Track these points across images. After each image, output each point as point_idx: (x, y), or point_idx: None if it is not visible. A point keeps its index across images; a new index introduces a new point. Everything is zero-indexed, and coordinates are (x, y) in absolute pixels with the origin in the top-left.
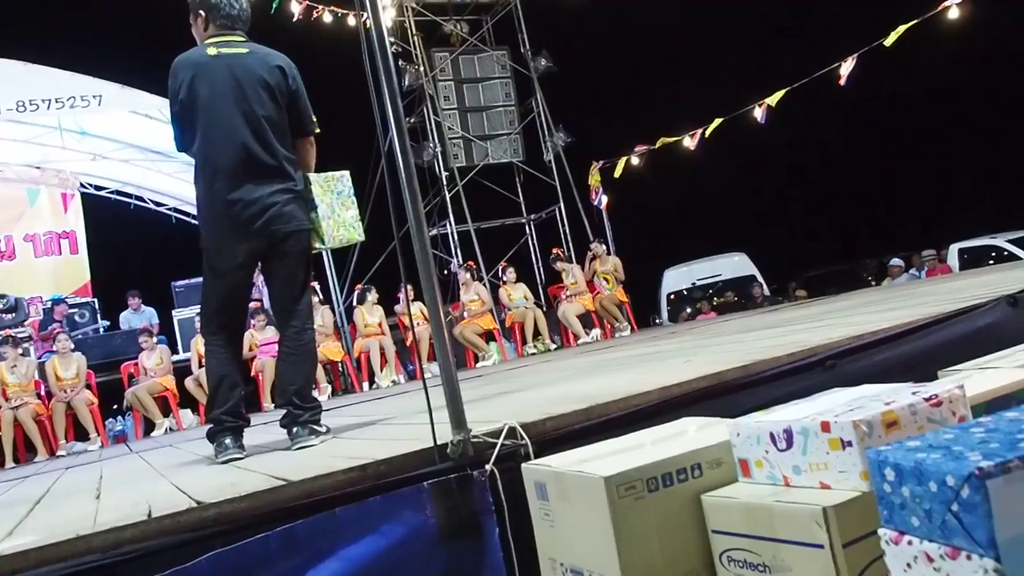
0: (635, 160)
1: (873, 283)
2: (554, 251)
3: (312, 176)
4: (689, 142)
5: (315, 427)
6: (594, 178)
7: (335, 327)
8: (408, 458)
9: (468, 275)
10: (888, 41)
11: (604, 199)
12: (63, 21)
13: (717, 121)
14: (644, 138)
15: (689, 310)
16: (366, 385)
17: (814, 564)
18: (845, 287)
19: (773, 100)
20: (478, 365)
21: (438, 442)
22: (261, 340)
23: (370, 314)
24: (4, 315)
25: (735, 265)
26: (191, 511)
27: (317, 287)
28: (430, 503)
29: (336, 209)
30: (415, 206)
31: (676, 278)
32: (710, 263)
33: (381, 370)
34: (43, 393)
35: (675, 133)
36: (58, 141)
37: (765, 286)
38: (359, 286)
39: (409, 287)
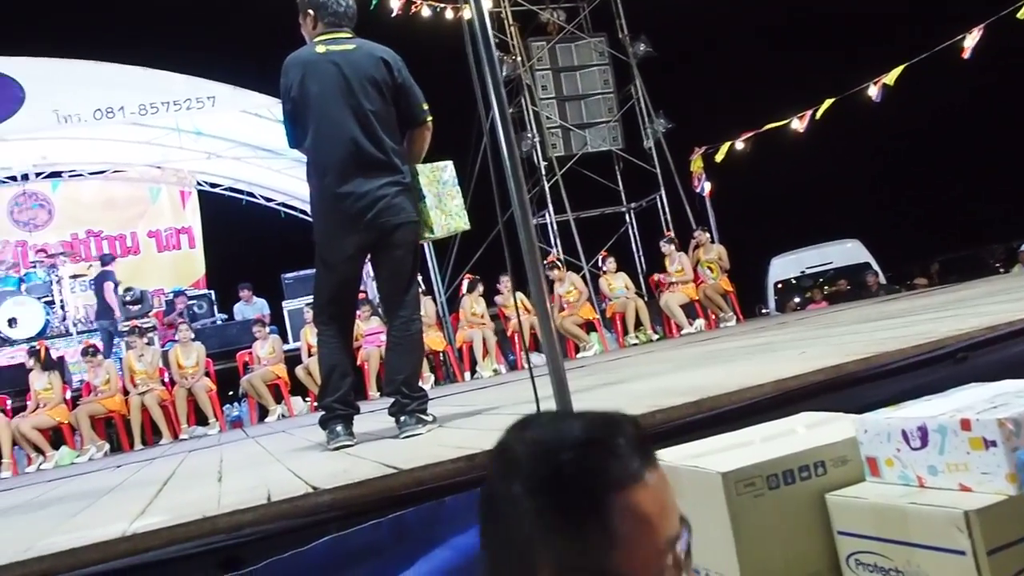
0: (739, 145)
1: (1001, 270)
2: (667, 233)
3: (419, 167)
4: (798, 124)
5: (422, 416)
6: (696, 164)
7: (437, 317)
8: None
9: (555, 271)
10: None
11: (707, 186)
12: (180, 27)
13: (828, 102)
14: (749, 122)
15: (798, 299)
16: (467, 375)
17: (954, 571)
18: (970, 275)
19: (891, 78)
20: (578, 356)
21: None
22: (366, 330)
23: (476, 304)
24: (131, 307)
25: (848, 252)
26: (307, 496)
27: (420, 278)
28: None
29: (443, 198)
30: (520, 194)
31: (784, 266)
32: (820, 250)
33: (483, 360)
34: (167, 380)
35: (782, 116)
36: (176, 142)
37: (881, 274)
38: (469, 276)
39: (507, 278)
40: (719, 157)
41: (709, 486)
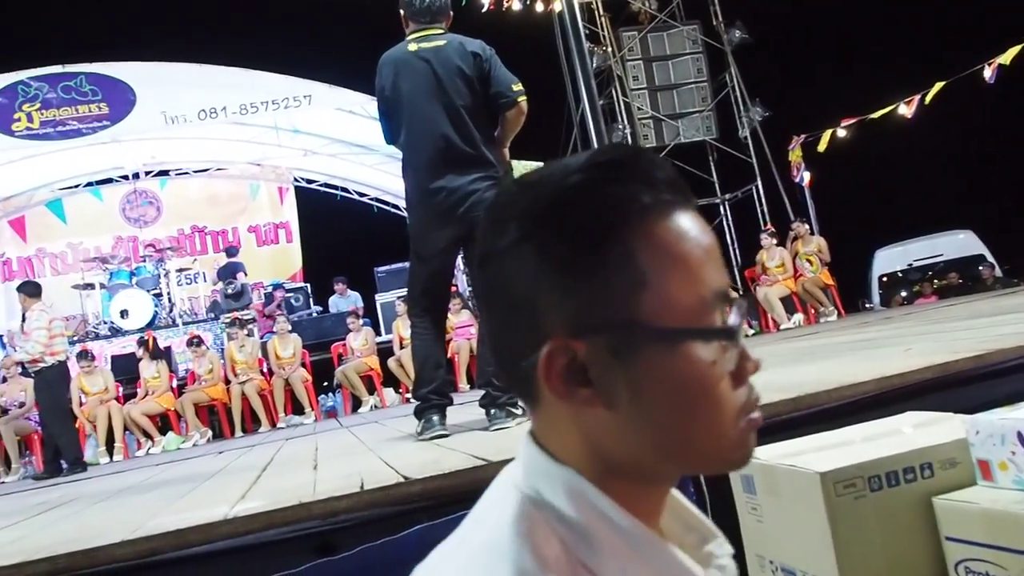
0: (841, 132)
1: None
2: (767, 226)
3: (515, 163)
4: (905, 109)
5: (512, 409)
6: (795, 154)
7: None
8: None
9: None
10: None
11: (806, 176)
12: (278, 28)
13: (938, 85)
14: (851, 108)
15: (904, 294)
16: None
17: None
18: None
19: (1006, 57)
20: None
21: None
22: (457, 323)
23: None
24: (232, 299)
25: (959, 243)
26: (399, 485)
27: None
28: None
29: None
30: None
31: (889, 259)
32: (929, 242)
33: None
34: (265, 370)
35: (887, 102)
36: (274, 139)
37: (997, 266)
38: None
39: None
40: (821, 146)
41: (807, 486)
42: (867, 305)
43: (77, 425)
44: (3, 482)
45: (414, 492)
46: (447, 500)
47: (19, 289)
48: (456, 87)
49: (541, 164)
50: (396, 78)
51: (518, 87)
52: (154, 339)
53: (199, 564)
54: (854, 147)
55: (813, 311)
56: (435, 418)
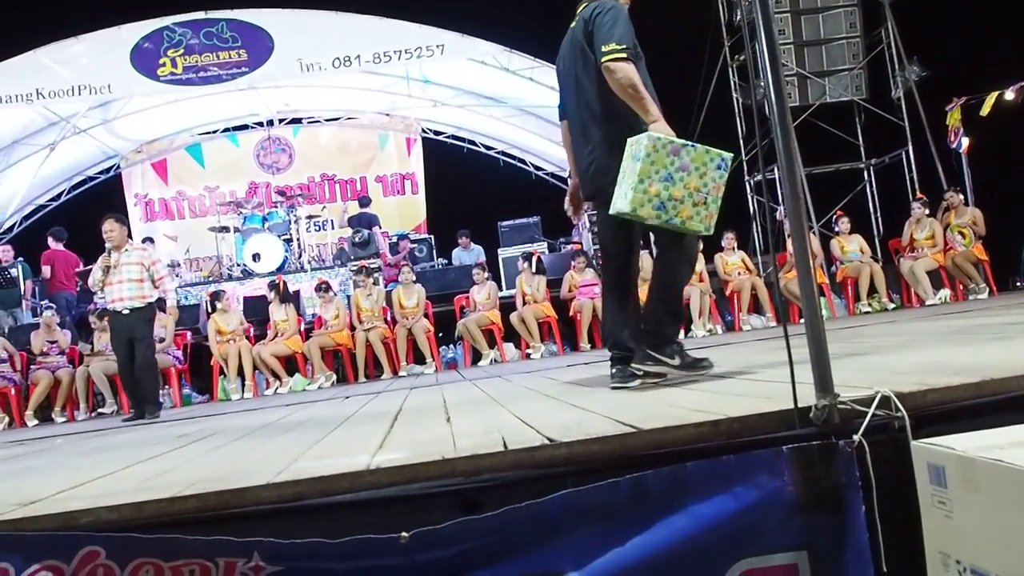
0: (1009, 95)
1: None
2: (920, 195)
3: (630, 139)
4: None
5: (634, 371)
6: (954, 117)
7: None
8: (765, 418)
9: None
10: None
11: (965, 141)
12: None
13: None
14: (1020, 71)
15: None
16: (682, 333)
17: None
18: None
19: None
20: (802, 321)
21: (799, 404)
22: (580, 282)
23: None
24: (359, 248)
25: None
26: (544, 448)
27: None
28: (788, 469)
29: (627, 174)
30: (787, 144)
31: None
32: None
33: (698, 319)
34: (389, 319)
35: None
36: (405, 90)
37: None
38: None
39: (731, 235)
40: (985, 110)
41: (1016, 484)
42: (1019, 284)
43: (212, 362)
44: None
45: (560, 456)
46: (594, 466)
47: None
48: (576, 59)
49: (640, 138)
50: (560, 55)
51: (608, 47)
52: (284, 283)
53: (342, 511)
54: (1021, 113)
55: (961, 287)
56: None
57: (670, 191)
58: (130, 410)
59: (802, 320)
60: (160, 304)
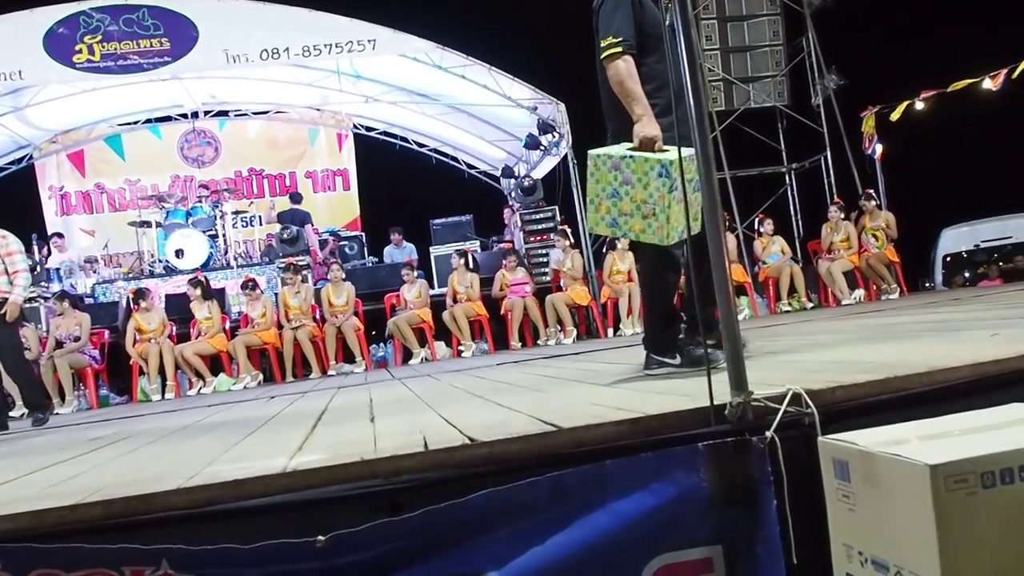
0: (919, 104)
1: None
2: (837, 200)
3: (591, 153)
4: (990, 84)
5: (659, 359)
6: (868, 124)
7: (583, 272)
8: (682, 415)
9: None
10: None
11: (879, 148)
12: None
13: None
14: (932, 81)
15: (968, 275)
16: (611, 332)
17: None
18: None
19: None
20: None
21: (715, 402)
22: (511, 280)
23: (621, 260)
24: (287, 244)
25: None
26: (465, 447)
27: (568, 231)
28: (704, 465)
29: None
30: (704, 148)
31: (955, 239)
32: (999, 223)
33: (626, 318)
34: (318, 317)
35: (970, 75)
36: (336, 84)
37: None
38: None
39: None
40: (894, 116)
41: (913, 478)
42: (927, 284)
43: (131, 362)
44: (57, 413)
45: (480, 455)
46: (515, 466)
47: None
48: (597, 46)
49: (619, 147)
50: None
51: (605, 41)
52: (206, 279)
53: (257, 516)
54: (930, 121)
55: (875, 288)
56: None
57: (619, 207)
58: None
59: None
60: (72, 302)
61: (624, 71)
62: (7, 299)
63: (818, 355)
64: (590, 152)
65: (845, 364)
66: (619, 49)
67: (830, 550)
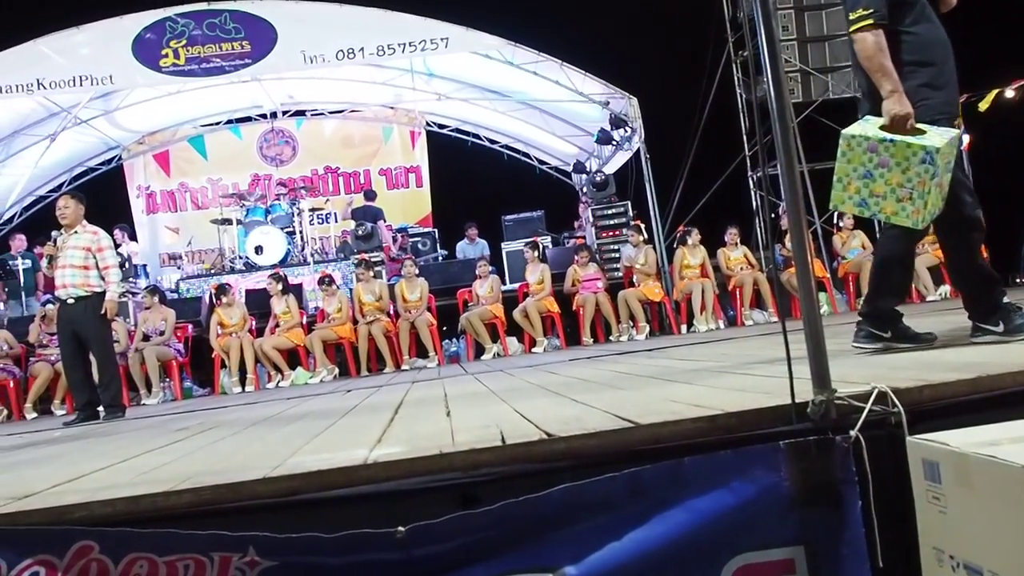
0: (1009, 93)
1: None
2: None
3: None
4: None
5: (873, 331)
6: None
7: (657, 267)
8: (762, 413)
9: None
10: None
11: (966, 138)
12: None
13: None
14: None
15: None
16: (684, 328)
17: None
18: None
19: None
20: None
21: (796, 400)
22: (583, 276)
23: (692, 256)
24: (362, 241)
25: None
26: (542, 442)
27: (641, 226)
28: (785, 464)
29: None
30: (786, 140)
31: None
32: None
33: (700, 314)
34: (391, 312)
35: None
36: (409, 83)
37: None
38: (681, 227)
39: (734, 230)
40: (983, 105)
41: (1009, 480)
42: (1018, 280)
43: (214, 356)
44: (144, 404)
45: (558, 451)
46: (591, 461)
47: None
48: None
49: (873, 127)
50: None
51: (854, 14)
52: (285, 275)
53: (338, 506)
54: (1022, 110)
55: None
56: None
57: (870, 188)
58: (75, 410)
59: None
60: (161, 297)
61: (872, 45)
62: (96, 293)
63: (904, 353)
64: (844, 132)
65: (933, 362)
66: (869, 21)
67: (918, 553)
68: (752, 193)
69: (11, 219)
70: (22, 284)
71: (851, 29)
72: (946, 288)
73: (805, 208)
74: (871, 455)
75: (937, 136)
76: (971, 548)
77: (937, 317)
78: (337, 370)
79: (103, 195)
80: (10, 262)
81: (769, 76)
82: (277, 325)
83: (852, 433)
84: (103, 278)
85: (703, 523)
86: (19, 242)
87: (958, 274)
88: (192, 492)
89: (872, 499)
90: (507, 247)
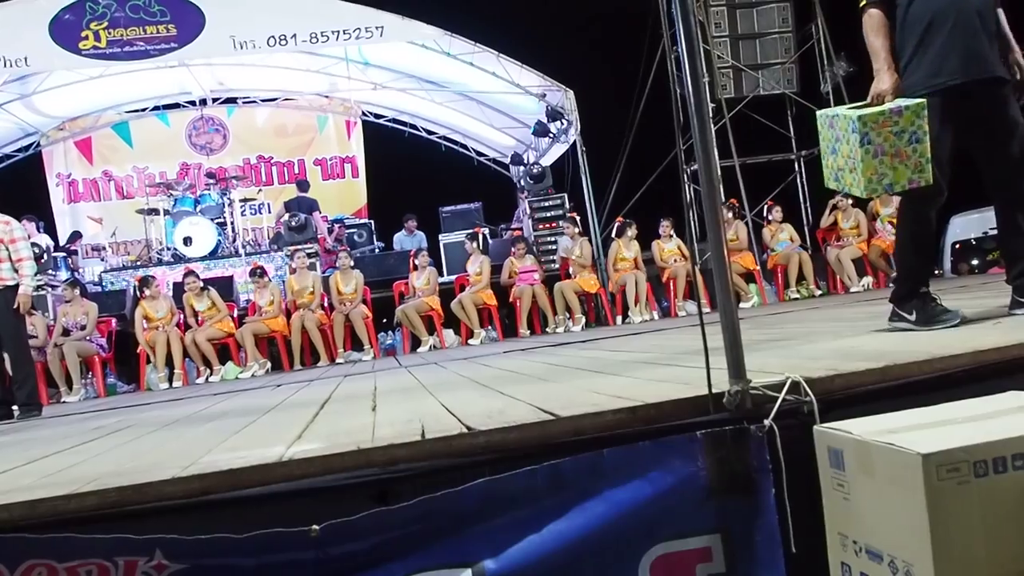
0: None
1: None
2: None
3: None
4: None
5: (901, 314)
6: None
7: (592, 259)
8: (680, 404)
9: (730, 213)
10: None
11: None
12: None
13: None
14: None
15: (976, 262)
16: (619, 319)
17: None
18: None
19: None
20: (739, 307)
21: (713, 390)
22: (520, 268)
23: (627, 248)
24: (295, 232)
25: None
26: (462, 436)
27: (577, 219)
28: (702, 454)
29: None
30: (704, 135)
31: (965, 226)
32: None
33: (634, 305)
34: (326, 305)
35: None
36: (344, 71)
37: None
38: (619, 219)
39: (667, 222)
40: None
41: (905, 467)
42: (937, 272)
43: (139, 351)
44: (64, 402)
45: (478, 444)
46: (512, 455)
47: None
48: None
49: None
50: None
51: None
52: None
53: (252, 506)
54: None
55: (883, 275)
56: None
57: (836, 162)
58: None
59: (737, 306)
60: (82, 289)
61: (866, 25)
62: (8, 286)
63: (820, 343)
64: (817, 112)
65: (848, 352)
66: (863, 2)
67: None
68: (685, 186)
69: None
70: None
71: (860, 6)
72: (869, 279)
73: (739, 201)
74: (785, 443)
75: (875, 107)
76: (872, 533)
77: (858, 308)
78: (269, 364)
79: (20, 183)
80: None
81: (688, 74)
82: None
83: (766, 422)
84: (16, 270)
85: (622, 514)
86: None
87: (896, 243)
88: (97, 495)
89: (785, 486)
90: (445, 239)
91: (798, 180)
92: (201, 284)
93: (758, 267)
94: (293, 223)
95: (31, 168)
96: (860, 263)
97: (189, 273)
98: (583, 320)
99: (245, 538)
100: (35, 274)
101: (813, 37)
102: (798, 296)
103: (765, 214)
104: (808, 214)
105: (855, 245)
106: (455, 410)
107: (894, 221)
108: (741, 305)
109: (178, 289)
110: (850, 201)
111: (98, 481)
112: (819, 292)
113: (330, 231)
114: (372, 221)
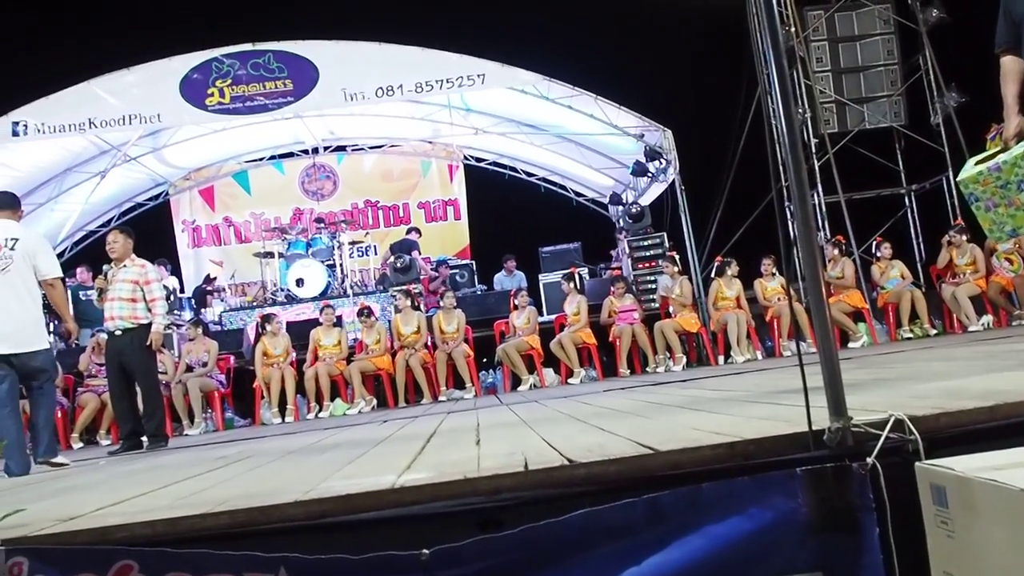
0: None
1: None
2: (957, 221)
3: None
4: None
5: None
6: (994, 143)
7: (693, 298)
8: (779, 440)
9: (836, 250)
10: None
11: None
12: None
13: None
14: None
15: None
16: (721, 359)
17: None
18: None
19: None
20: (848, 346)
21: (813, 427)
22: (620, 307)
23: (728, 287)
24: (400, 273)
25: None
26: (563, 468)
27: (677, 257)
28: (802, 491)
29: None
30: (798, 171)
31: None
32: None
33: (737, 345)
34: (429, 344)
35: None
36: (447, 118)
37: None
38: (719, 258)
39: (769, 260)
40: None
41: (1011, 504)
42: None
43: (255, 386)
44: (186, 434)
45: (578, 476)
46: (611, 487)
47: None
48: None
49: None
50: None
51: None
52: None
53: (366, 529)
54: None
55: (1004, 313)
56: None
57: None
58: (119, 440)
59: (846, 345)
60: (204, 328)
61: (1002, 74)
62: (142, 324)
63: (926, 383)
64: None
65: (956, 390)
66: (996, 51)
67: None
68: (790, 223)
69: (62, 253)
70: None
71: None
72: (989, 318)
73: (845, 238)
74: (889, 482)
75: (975, 168)
76: (977, 571)
77: (975, 348)
78: (375, 401)
79: (150, 230)
80: (80, 293)
81: (782, 115)
82: (317, 358)
83: (869, 460)
84: (150, 310)
85: (721, 549)
86: (85, 275)
87: None
88: (228, 514)
89: (889, 525)
90: (544, 279)
91: (909, 215)
92: (334, 321)
93: (867, 305)
94: (398, 264)
95: (160, 215)
96: (979, 301)
97: (325, 307)
98: (684, 360)
99: (361, 559)
100: (165, 314)
101: (921, 68)
102: (911, 335)
103: (874, 251)
104: (920, 250)
105: (972, 282)
106: (556, 444)
107: (1012, 257)
108: (850, 345)
109: (292, 328)
110: (965, 237)
111: (228, 503)
112: (934, 331)
113: (434, 272)
114: (473, 261)
